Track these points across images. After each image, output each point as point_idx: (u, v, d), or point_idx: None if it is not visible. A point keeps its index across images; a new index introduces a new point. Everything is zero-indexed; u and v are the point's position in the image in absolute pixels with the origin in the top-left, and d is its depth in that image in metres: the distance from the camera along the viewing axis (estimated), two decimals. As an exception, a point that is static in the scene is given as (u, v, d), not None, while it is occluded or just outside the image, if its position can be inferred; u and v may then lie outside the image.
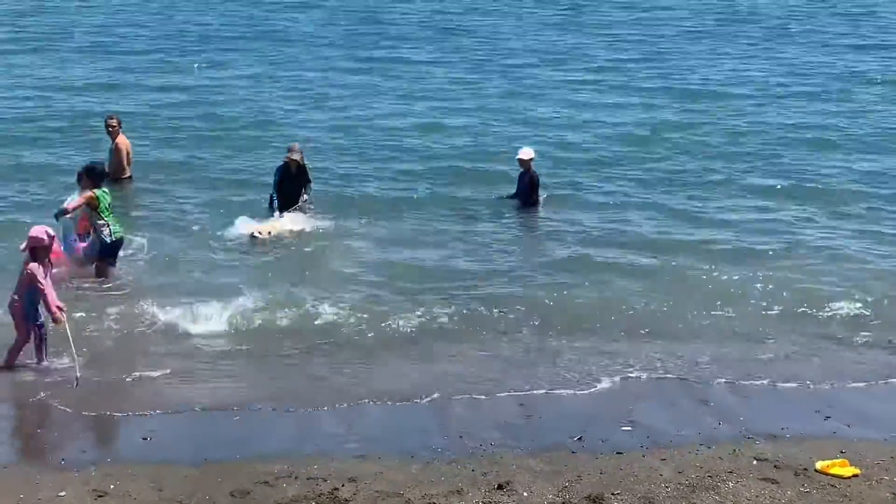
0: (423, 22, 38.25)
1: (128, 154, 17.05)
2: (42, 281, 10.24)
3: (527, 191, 16.94)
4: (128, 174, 17.10)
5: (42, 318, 10.50)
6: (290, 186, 16.05)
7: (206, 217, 15.87)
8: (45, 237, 10.37)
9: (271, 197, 16.12)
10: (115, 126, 16.93)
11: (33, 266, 10.27)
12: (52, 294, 10.33)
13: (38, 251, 10.36)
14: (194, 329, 11.66)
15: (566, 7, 42.42)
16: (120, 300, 12.49)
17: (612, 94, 25.71)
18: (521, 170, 17.05)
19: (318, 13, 39.98)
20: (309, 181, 16.18)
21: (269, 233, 15.11)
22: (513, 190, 17.19)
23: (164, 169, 18.33)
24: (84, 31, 34.51)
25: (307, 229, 15.36)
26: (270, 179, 16.35)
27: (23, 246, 10.43)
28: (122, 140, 17.00)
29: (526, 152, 17.01)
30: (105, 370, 10.55)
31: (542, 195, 16.95)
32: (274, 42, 33.15)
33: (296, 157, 15.98)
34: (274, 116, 22.84)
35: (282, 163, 16.19)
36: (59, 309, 10.29)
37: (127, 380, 10.36)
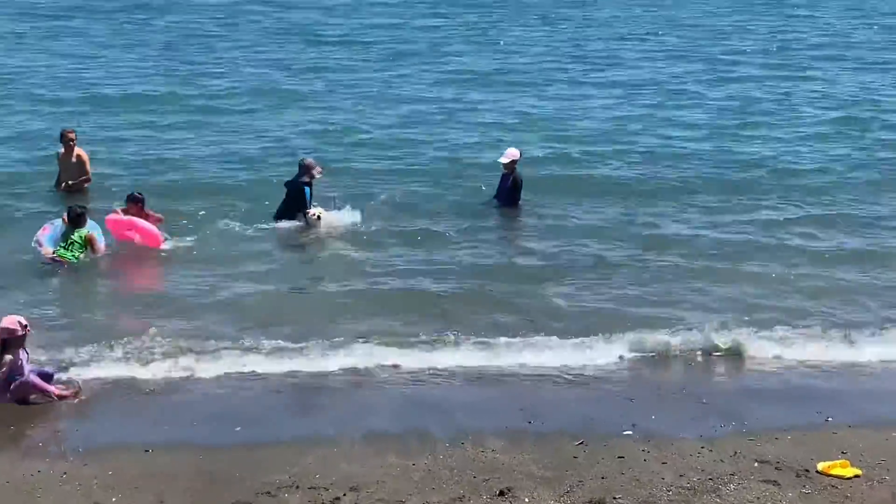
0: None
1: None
2: (24, 372, 9.86)
3: (510, 192, 16.71)
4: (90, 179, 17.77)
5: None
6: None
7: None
8: (19, 327, 9.89)
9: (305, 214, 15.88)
10: (73, 139, 17.52)
11: (7, 360, 9.85)
12: (38, 381, 9.96)
13: (11, 342, 9.87)
14: (188, 328, 11.85)
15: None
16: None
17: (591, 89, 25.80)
18: (505, 171, 16.80)
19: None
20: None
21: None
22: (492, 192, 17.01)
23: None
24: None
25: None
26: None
27: None
28: (82, 151, 17.67)
29: (511, 153, 16.74)
30: (108, 378, 10.60)
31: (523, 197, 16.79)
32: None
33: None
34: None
35: (307, 182, 15.96)
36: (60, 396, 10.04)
37: (126, 391, 10.36)
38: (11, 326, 9.88)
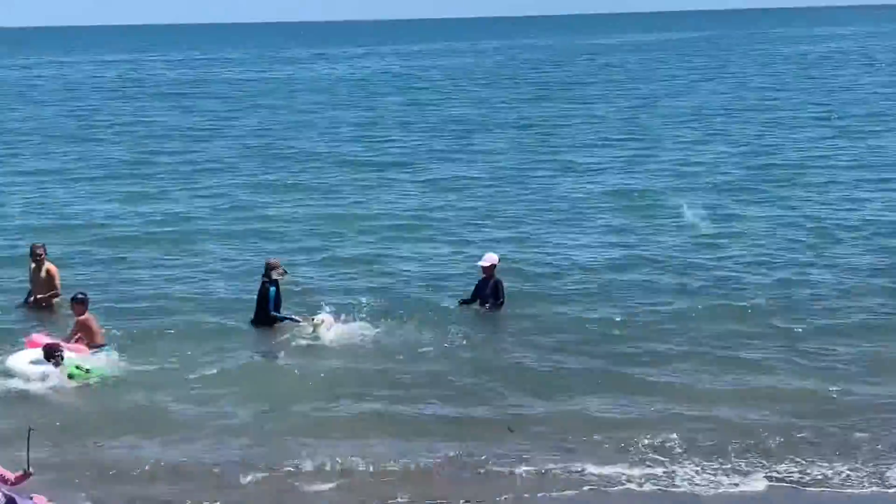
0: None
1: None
2: None
3: (491, 296, 17.13)
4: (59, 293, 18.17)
5: None
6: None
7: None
8: None
9: (278, 317, 16.54)
10: (41, 254, 18.07)
11: None
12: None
13: None
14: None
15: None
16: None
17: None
18: (484, 276, 17.29)
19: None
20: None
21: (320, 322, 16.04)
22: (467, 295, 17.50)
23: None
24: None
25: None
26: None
27: None
28: (51, 265, 18.20)
29: (490, 258, 17.36)
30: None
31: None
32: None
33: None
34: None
35: (273, 283, 16.46)
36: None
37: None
38: None
